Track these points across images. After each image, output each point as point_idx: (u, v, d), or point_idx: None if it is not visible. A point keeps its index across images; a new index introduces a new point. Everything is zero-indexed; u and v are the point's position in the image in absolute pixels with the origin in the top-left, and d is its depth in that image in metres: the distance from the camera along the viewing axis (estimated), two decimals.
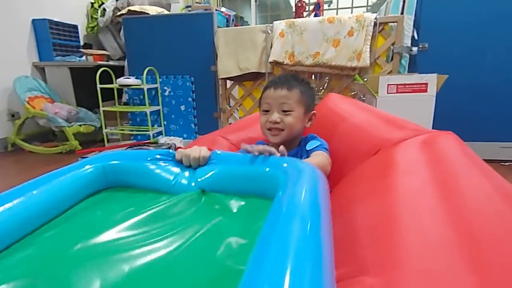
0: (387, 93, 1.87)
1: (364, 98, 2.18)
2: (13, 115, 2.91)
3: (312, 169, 0.58)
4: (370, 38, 2.06)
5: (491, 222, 0.41)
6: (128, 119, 2.95)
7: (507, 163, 2.07)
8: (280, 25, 2.29)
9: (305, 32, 2.22)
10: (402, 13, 2.07)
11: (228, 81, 2.62)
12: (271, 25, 2.34)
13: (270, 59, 2.30)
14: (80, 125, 2.86)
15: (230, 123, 2.72)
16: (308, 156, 0.90)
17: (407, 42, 2.06)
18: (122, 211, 0.61)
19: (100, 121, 2.82)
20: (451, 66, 2.02)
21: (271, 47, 2.33)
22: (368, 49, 2.06)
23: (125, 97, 3.11)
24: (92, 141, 3.06)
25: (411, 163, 0.67)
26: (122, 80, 2.64)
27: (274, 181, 0.60)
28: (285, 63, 2.28)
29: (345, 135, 1.10)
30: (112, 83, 2.71)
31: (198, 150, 0.72)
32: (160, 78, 2.73)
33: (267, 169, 0.64)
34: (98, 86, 2.62)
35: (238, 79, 2.53)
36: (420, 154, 0.70)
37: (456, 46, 2.02)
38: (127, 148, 2.45)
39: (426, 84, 1.82)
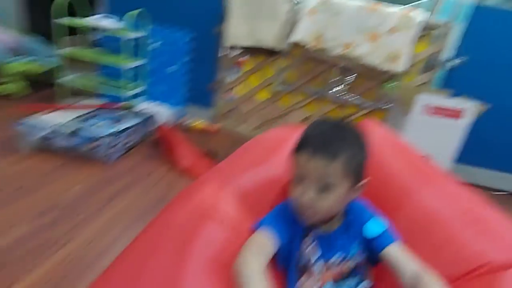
0: (421, 113, 1.71)
1: (387, 107, 2.00)
2: None
3: None
4: (413, 41, 1.82)
5: None
6: (98, 68, 2.39)
7: None
8: None
9: (340, 15, 1.88)
10: (451, 21, 1.83)
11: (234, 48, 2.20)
12: None
13: (293, 39, 1.94)
14: (28, 62, 2.23)
15: (231, 97, 2.36)
16: (377, 251, 0.65)
17: (449, 54, 1.86)
18: None
19: (59, 60, 2.20)
20: (486, 86, 1.90)
21: (294, 23, 1.96)
22: (408, 54, 1.83)
23: (95, 35, 2.50)
24: (46, 84, 2.46)
25: None
26: (96, 21, 2.05)
27: None
28: (309, 46, 1.95)
29: (412, 226, 0.77)
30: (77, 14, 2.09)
31: None
32: (149, 26, 2.19)
33: None
34: (53, 20, 1.99)
35: (248, 50, 2.14)
36: None
37: (495, 68, 1.89)
38: (93, 110, 1.97)
39: (461, 111, 1.68)
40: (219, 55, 2.21)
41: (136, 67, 2.22)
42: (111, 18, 2.08)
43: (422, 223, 0.76)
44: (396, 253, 0.63)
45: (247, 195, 0.77)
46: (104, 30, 2.04)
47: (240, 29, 2.06)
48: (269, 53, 2.10)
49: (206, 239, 0.60)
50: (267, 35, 2.03)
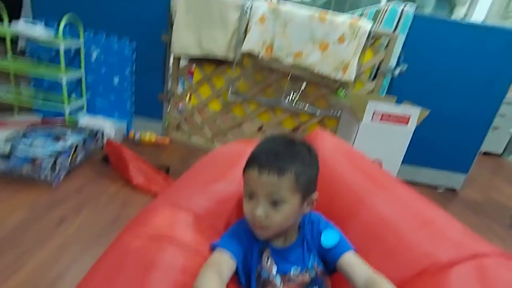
0: (371, 120, 1.78)
1: (339, 114, 2.07)
2: None
3: None
4: (360, 50, 1.89)
5: None
6: (29, 80, 2.13)
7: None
8: (261, 7, 1.89)
9: (290, 24, 1.89)
10: (395, 30, 1.95)
11: (182, 58, 2.11)
12: (249, 2, 1.92)
13: (244, 49, 1.91)
14: None
15: (180, 106, 2.27)
16: (333, 260, 0.66)
17: (393, 62, 1.98)
18: None
19: None
20: (425, 92, 2.03)
21: (245, 31, 1.94)
22: (356, 62, 1.90)
23: (22, 42, 2.24)
24: None
25: None
26: (22, 28, 1.82)
27: None
28: (260, 56, 1.94)
29: (365, 232, 0.79)
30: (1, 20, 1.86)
31: None
32: (85, 33, 2.01)
33: None
34: None
35: (197, 59, 2.07)
36: None
37: (431, 75, 2.02)
38: (28, 127, 1.77)
39: (409, 117, 1.79)
40: (168, 64, 2.11)
41: (74, 78, 2.03)
42: (37, 24, 1.87)
43: (375, 229, 0.79)
44: (350, 260, 0.66)
45: (204, 215, 0.74)
46: (32, 38, 1.82)
47: (187, 38, 1.97)
48: (220, 62, 2.05)
49: (166, 264, 0.57)
50: (217, 44, 1.97)
